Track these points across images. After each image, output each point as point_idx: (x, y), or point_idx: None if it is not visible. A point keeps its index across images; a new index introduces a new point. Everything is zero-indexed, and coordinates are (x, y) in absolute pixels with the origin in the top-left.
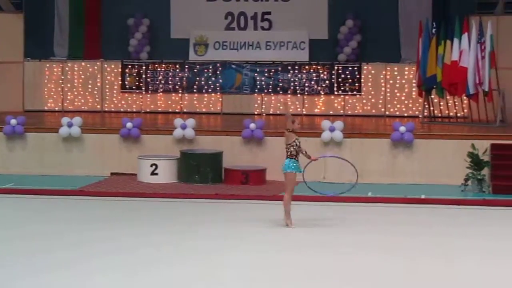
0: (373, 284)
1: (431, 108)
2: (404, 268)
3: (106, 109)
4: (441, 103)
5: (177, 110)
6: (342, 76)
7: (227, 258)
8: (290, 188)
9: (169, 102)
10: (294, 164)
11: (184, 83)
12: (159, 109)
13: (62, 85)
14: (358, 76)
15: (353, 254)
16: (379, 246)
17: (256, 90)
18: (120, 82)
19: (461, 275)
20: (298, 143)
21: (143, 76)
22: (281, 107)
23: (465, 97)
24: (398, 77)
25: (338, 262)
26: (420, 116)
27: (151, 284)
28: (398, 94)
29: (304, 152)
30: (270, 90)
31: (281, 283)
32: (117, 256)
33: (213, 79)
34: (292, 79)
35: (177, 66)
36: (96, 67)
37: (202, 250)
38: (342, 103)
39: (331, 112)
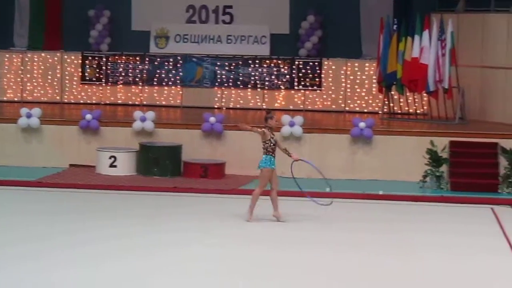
0: (328, 280)
1: (391, 105)
2: (360, 264)
3: (66, 100)
4: (401, 100)
5: (137, 103)
6: (303, 71)
7: (185, 251)
8: (262, 184)
9: (129, 95)
10: (269, 161)
11: (144, 75)
12: (119, 101)
13: (22, 76)
14: (318, 71)
15: (307, 250)
16: (336, 242)
17: (217, 84)
18: (80, 74)
19: (418, 271)
20: (274, 141)
21: (103, 68)
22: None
23: (425, 94)
24: (359, 73)
25: (293, 257)
26: (380, 112)
27: (109, 277)
28: (358, 90)
29: (284, 149)
30: (230, 84)
31: (238, 276)
32: (75, 249)
33: (173, 72)
34: (252, 73)
35: (138, 59)
36: (56, 58)
37: (160, 243)
38: (302, 98)
39: (291, 107)
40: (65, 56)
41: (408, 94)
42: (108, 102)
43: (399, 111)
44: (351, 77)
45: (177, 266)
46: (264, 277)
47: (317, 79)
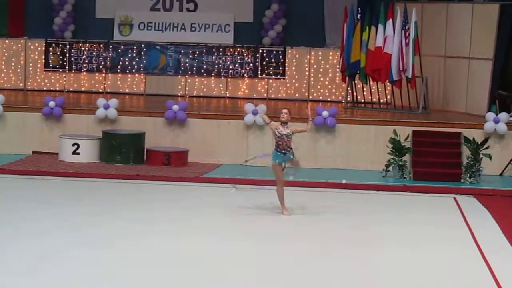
0: (287, 271)
1: (354, 94)
2: (320, 255)
3: (29, 87)
4: (365, 89)
5: (100, 90)
6: (266, 59)
7: (145, 241)
8: (276, 179)
9: (93, 82)
10: (275, 156)
11: (108, 63)
12: (82, 89)
13: None
14: (282, 60)
15: (267, 240)
16: (295, 233)
17: (180, 72)
18: (43, 61)
19: (379, 262)
20: (278, 133)
21: (67, 55)
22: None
23: (388, 84)
24: (322, 62)
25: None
26: (343, 101)
27: (65, 267)
28: (321, 79)
29: (290, 146)
30: (194, 72)
31: (194, 266)
32: (37, 238)
33: (137, 59)
34: (216, 62)
35: (101, 46)
36: (19, 45)
37: (121, 232)
38: (266, 86)
39: (254, 95)
40: (29, 43)
41: (371, 83)
42: (71, 89)
43: (362, 100)
44: (315, 66)
45: (136, 257)
46: (224, 267)
47: (280, 68)
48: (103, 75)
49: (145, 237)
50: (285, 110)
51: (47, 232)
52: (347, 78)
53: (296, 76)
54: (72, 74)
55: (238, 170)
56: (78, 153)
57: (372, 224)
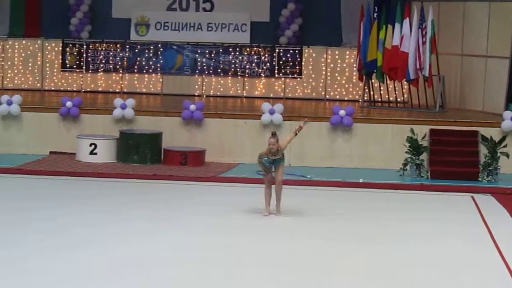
0: (310, 270)
1: (371, 93)
2: (337, 253)
3: (46, 87)
4: (381, 88)
5: (117, 90)
6: (283, 59)
7: (163, 239)
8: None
9: (109, 82)
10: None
11: (124, 63)
12: (99, 89)
13: (2, 63)
14: (299, 59)
15: (283, 239)
16: (314, 232)
17: (197, 72)
18: (60, 61)
19: (397, 260)
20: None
21: (84, 55)
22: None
23: (405, 82)
24: (339, 61)
25: (269, 247)
26: (360, 100)
27: (84, 264)
28: (338, 78)
29: (294, 134)
30: (210, 71)
31: (214, 264)
32: (53, 236)
33: (153, 59)
34: (233, 61)
35: (118, 46)
36: (36, 46)
37: (138, 231)
38: (283, 85)
39: (271, 95)
40: (46, 44)
41: (388, 82)
42: (88, 89)
43: (379, 99)
44: (331, 65)
45: (154, 255)
46: (239, 266)
47: (297, 67)
48: (120, 75)
49: (162, 236)
50: (272, 140)
51: (63, 230)
52: (363, 77)
53: (313, 75)
54: (89, 74)
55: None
56: (95, 153)
57: (389, 223)
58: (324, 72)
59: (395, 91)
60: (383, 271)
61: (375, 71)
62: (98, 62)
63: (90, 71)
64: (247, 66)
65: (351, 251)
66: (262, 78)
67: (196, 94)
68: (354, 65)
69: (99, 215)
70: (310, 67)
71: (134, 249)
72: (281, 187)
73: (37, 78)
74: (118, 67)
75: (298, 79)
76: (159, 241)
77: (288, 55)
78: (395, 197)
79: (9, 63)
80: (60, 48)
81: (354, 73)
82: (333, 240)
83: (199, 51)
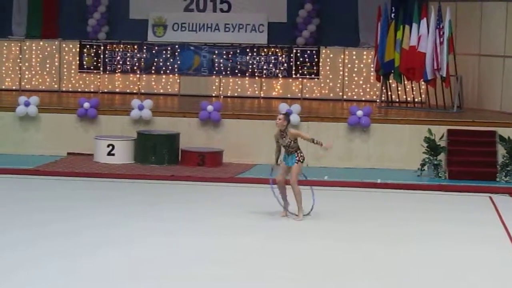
0: (322, 272)
1: (389, 93)
2: (357, 254)
3: (64, 88)
4: (399, 88)
5: (134, 91)
6: (300, 59)
7: (182, 240)
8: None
9: (127, 83)
10: (284, 159)
11: (142, 64)
12: (117, 90)
13: (20, 64)
14: (316, 60)
15: (301, 240)
16: (332, 233)
17: (214, 72)
18: (78, 62)
19: (415, 260)
20: (281, 141)
21: (101, 56)
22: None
23: (422, 82)
24: (356, 61)
25: (289, 248)
26: (377, 100)
27: (104, 265)
28: (356, 78)
29: (311, 140)
30: (228, 72)
31: (234, 265)
32: (72, 237)
33: (171, 60)
34: (250, 62)
35: (135, 47)
36: (54, 47)
37: (157, 232)
38: (300, 86)
39: (288, 95)
40: (63, 45)
41: (405, 82)
42: (105, 90)
43: (397, 100)
44: (349, 66)
45: (174, 256)
46: (259, 267)
47: (314, 68)
48: (137, 76)
49: (181, 236)
50: (280, 116)
51: (82, 231)
52: (381, 77)
53: (330, 76)
54: (106, 75)
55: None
56: (113, 154)
57: (407, 223)
58: (341, 73)
59: (412, 91)
60: (402, 271)
61: (392, 71)
62: (115, 63)
63: (107, 72)
64: (265, 67)
65: (372, 252)
66: (280, 79)
67: (214, 94)
68: (372, 65)
69: (117, 216)
70: (328, 68)
71: (154, 250)
72: (293, 189)
73: (55, 79)
74: (135, 68)
75: (316, 79)
76: (179, 242)
77: (306, 55)
78: (413, 198)
79: (26, 64)
80: (78, 49)
81: (372, 74)
82: (353, 241)
83: (216, 51)
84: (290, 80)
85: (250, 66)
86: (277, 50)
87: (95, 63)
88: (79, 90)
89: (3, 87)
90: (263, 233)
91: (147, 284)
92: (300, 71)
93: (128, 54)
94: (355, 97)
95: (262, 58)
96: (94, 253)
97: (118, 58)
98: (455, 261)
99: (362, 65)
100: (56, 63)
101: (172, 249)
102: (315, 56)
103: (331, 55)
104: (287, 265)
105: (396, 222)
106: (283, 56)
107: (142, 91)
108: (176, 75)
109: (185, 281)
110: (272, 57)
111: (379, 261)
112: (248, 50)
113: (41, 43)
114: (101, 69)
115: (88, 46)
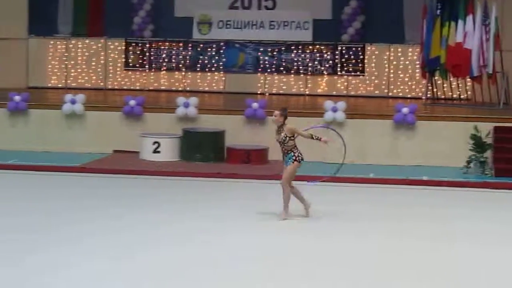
0: (367, 269)
1: (434, 90)
2: (402, 251)
3: (109, 86)
4: (445, 85)
5: (180, 89)
6: (346, 56)
7: (226, 238)
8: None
9: (172, 81)
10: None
11: (187, 61)
12: (162, 87)
13: (66, 62)
14: (361, 57)
15: (354, 239)
16: (379, 229)
17: (259, 70)
18: (123, 60)
19: (460, 258)
20: (279, 138)
21: (147, 54)
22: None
23: (468, 79)
24: (402, 58)
25: (335, 246)
26: (423, 97)
27: (151, 263)
28: (401, 75)
29: (310, 136)
30: (273, 69)
31: (277, 265)
32: (118, 234)
33: (216, 58)
34: (295, 59)
35: (181, 45)
36: (99, 45)
37: (205, 230)
38: (345, 83)
39: (334, 93)
40: (109, 43)
41: (451, 79)
42: (151, 88)
43: (443, 97)
44: (394, 63)
45: (221, 254)
46: (310, 265)
47: (360, 65)
48: (183, 73)
49: (229, 234)
50: (276, 112)
51: (128, 229)
52: (426, 74)
53: (376, 73)
54: (151, 73)
55: (318, 167)
56: (159, 152)
57: (454, 221)
58: (387, 70)
59: (458, 88)
60: (445, 271)
61: (438, 68)
62: (160, 60)
63: (153, 70)
64: (310, 64)
65: (414, 248)
66: (325, 76)
67: (259, 92)
68: (417, 62)
69: (163, 213)
70: (373, 65)
71: (201, 249)
72: (283, 189)
73: (100, 77)
74: (180, 65)
75: (361, 76)
76: (226, 240)
77: (351, 52)
78: (458, 195)
79: (72, 62)
80: (123, 47)
81: (417, 70)
82: (397, 237)
83: (261, 49)
84: (335, 77)
85: (295, 64)
86: (322, 47)
87: (140, 61)
88: (125, 87)
89: (49, 85)
90: (312, 232)
91: (198, 283)
92: (345, 68)
93: (173, 52)
94: (400, 94)
95: (307, 56)
96: (143, 251)
97: (164, 55)
98: (499, 260)
99: (407, 62)
100: (102, 61)
101: (221, 247)
102: (360, 53)
103: (376, 52)
104: (340, 263)
105: (441, 219)
106: (328, 53)
107: (188, 88)
108: (221, 72)
109: (238, 279)
110: (317, 54)
111: (420, 258)
112: (293, 47)
113: (86, 41)
114: (147, 67)
115: (133, 44)
